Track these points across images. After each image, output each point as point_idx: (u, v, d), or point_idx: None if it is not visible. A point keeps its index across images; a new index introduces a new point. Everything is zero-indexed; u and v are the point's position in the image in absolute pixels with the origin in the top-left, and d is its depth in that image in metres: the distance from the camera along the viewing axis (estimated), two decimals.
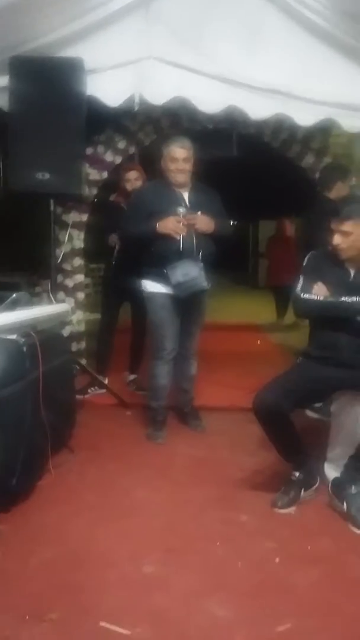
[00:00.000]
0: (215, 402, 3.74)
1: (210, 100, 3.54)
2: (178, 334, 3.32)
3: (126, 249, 3.74)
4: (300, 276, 2.63)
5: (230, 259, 11.55)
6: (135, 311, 4.09)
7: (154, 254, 3.20)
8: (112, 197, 4.27)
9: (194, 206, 3.20)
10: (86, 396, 3.92)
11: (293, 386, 2.50)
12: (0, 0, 2.96)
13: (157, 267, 3.18)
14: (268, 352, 6.02)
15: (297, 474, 2.57)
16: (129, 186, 3.99)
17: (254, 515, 2.45)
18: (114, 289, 4.08)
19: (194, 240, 3.16)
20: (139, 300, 3.49)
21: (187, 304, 3.23)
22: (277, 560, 2.11)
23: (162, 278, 3.17)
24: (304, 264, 2.69)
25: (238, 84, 3.51)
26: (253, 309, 10.15)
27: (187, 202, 3.23)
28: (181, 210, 3.17)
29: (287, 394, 2.44)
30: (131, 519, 2.41)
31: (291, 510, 2.50)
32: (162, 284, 3.21)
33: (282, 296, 7.57)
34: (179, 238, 3.11)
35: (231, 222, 3.54)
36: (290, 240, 7.92)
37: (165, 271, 3.13)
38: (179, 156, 3.19)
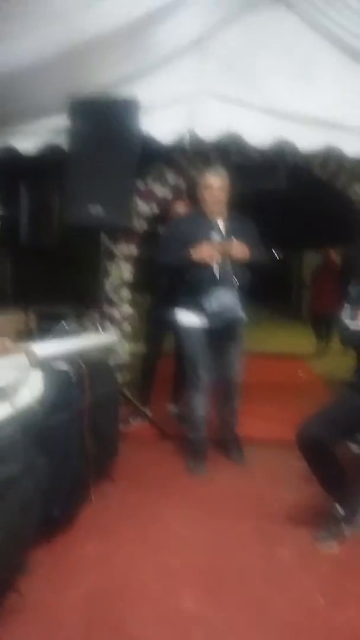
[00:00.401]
0: (256, 434, 3.70)
1: (260, 134, 3.61)
2: (212, 365, 3.30)
3: (165, 279, 3.76)
4: (347, 305, 2.59)
5: (274, 290, 11.59)
6: (178, 342, 4.11)
7: (189, 283, 3.21)
8: (160, 230, 4.35)
9: (229, 234, 3.21)
10: (129, 426, 3.94)
11: (337, 418, 2.45)
12: (61, 45, 3.11)
13: (192, 296, 3.19)
14: (310, 383, 5.92)
15: (340, 509, 2.49)
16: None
17: (295, 551, 2.40)
18: (157, 320, 4.12)
19: (230, 269, 3.16)
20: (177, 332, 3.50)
21: (222, 334, 3.22)
22: (319, 599, 2.06)
23: (197, 307, 3.17)
24: (350, 292, 2.65)
25: (288, 117, 3.56)
26: (295, 340, 10.05)
27: (223, 231, 3.24)
28: (215, 237, 3.18)
29: (330, 426, 2.39)
30: (170, 553, 2.39)
31: (334, 547, 2.43)
32: (197, 314, 3.20)
33: (323, 325, 7.90)
34: (213, 265, 3.11)
35: (277, 256, 3.51)
36: (334, 270, 8.10)
37: (200, 301, 3.13)
38: (214, 184, 3.23)
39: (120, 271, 4.51)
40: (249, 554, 2.40)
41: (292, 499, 2.92)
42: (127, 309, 4.64)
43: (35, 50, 3.07)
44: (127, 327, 4.64)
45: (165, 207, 4.49)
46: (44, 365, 2.37)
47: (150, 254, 4.29)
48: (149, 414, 4.07)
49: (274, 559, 2.35)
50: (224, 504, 2.91)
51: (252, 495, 3.01)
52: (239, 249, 3.16)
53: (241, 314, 3.17)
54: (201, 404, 3.36)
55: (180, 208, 4.10)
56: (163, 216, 4.45)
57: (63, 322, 2.92)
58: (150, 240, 4.56)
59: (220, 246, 3.14)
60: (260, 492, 3.05)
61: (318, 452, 2.41)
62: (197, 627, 1.90)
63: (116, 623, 1.91)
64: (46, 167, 4.30)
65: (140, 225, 4.59)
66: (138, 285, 4.82)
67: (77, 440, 2.53)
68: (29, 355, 2.26)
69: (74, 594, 2.06)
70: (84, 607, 1.99)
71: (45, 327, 4.11)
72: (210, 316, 3.12)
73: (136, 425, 4.01)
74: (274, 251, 11.33)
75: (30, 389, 2.17)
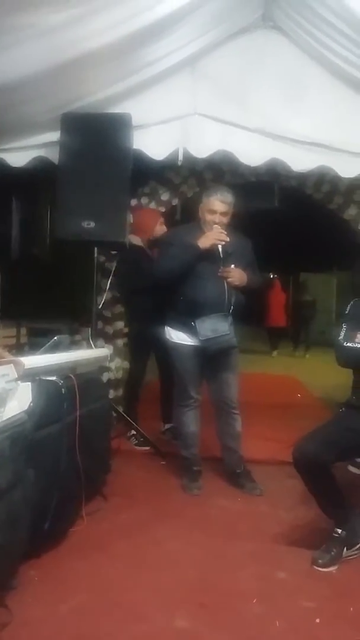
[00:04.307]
0: (253, 455, 3.64)
1: (253, 153, 3.64)
2: (204, 382, 3.27)
3: (154, 293, 3.62)
4: (343, 324, 2.57)
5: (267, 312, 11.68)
6: (161, 360, 4.05)
7: (183, 304, 3.16)
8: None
9: (227, 256, 3.13)
10: (129, 444, 3.87)
11: (334, 437, 2.41)
12: (53, 61, 3.13)
13: (185, 318, 3.14)
14: (308, 404, 5.89)
15: (339, 531, 2.44)
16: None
17: (293, 573, 2.34)
18: (141, 338, 4.04)
19: (225, 293, 3.12)
20: (164, 349, 3.42)
21: (215, 357, 3.16)
22: (317, 620, 2.00)
23: (189, 330, 3.13)
24: (347, 311, 2.63)
25: (280, 138, 3.60)
26: (292, 361, 10.08)
27: (221, 252, 3.13)
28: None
29: (328, 445, 2.35)
30: (163, 571, 2.33)
31: (332, 569, 2.37)
32: (188, 334, 3.16)
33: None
34: (223, 244, 3.07)
35: (271, 275, 3.46)
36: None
37: (193, 324, 3.08)
38: (218, 209, 3.15)
39: (113, 287, 4.49)
40: (245, 574, 2.33)
41: (290, 519, 2.87)
42: (121, 325, 4.62)
43: (27, 65, 3.07)
44: (120, 343, 4.62)
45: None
46: (34, 377, 2.33)
47: (130, 269, 4.18)
48: (141, 430, 4.00)
49: (270, 579, 2.29)
50: (219, 524, 2.85)
51: (248, 515, 2.95)
52: (238, 276, 3.12)
53: (234, 340, 3.11)
54: (192, 421, 3.30)
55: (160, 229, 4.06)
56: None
57: (55, 336, 2.87)
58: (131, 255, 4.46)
59: (220, 273, 3.09)
60: (257, 512, 2.99)
61: (315, 471, 2.37)
62: None
63: (106, 638, 1.84)
64: (37, 181, 4.31)
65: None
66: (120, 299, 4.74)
67: (67, 454, 2.47)
68: (17, 366, 2.22)
69: (63, 609, 1.99)
70: (73, 624, 1.92)
71: (37, 342, 4.09)
72: (202, 341, 3.06)
73: (135, 446, 3.94)
74: (269, 274, 11.47)
75: (19, 401, 2.13)
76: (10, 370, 2.08)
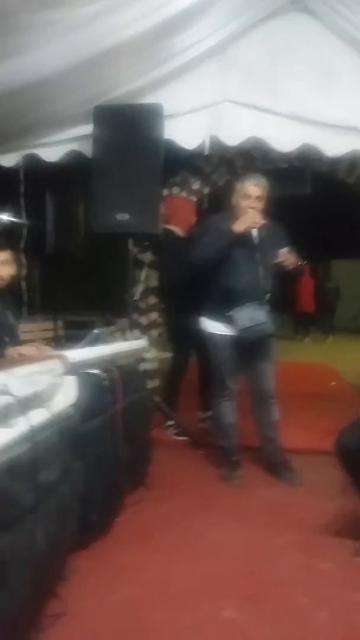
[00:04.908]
0: (291, 444, 3.64)
1: (285, 139, 3.60)
2: (241, 374, 3.26)
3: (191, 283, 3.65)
4: None
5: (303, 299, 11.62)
6: (200, 349, 4.05)
7: (219, 293, 3.16)
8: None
9: (262, 242, 3.12)
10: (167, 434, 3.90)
11: None
12: (83, 55, 3.14)
13: (221, 307, 3.13)
14: (343, 392, 5.83)
15: None
16: None
17: (336, 564, 2.33)
18: (183, 327, 4.02)
19: (261, 281, 3.11)
20: (203, 340, 3.42)
21: (252, 347, 3.15)
22: None
23: (226, 319, 3.12)
24: None
25: (313, 122, 3.56)
26: (325, 349, 10.00)
27: (255, 239, 3.12)
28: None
29: None
30: (207, 561, 2.35)
31: None
32: (225, 324, 3.16)
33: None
34: (258, 229, 3.06)
35: (300, 263, 3.46)
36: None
37: (229, 314, 3.08)
38: (253, 193, 3.12)
39: (148, 278, 4.51)
40: (289, 564, 2.33)
41: (331, 509, 2.84)
42: (155, 316, 4.64)
43: (58, 60, 3.10)
44: (154, 333, 4.64)
45: None
46: (77, 371, 2.37)
47: (171, 259, 4.21)
48: (179, 420, 4.03)
49: (314, 570, 2.28)
50: (261, 514, 2.85)
51: (289, 505, 2.95)
52: (292, 260, 3.11)
53: (271, 329, 3.11)
54: (229, 411, 3.30)
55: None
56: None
57: (94, 329, 2.91)
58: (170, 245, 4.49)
59: None
60: (298, 502, 2.98)
61: (356, 461, 2.35)
62: (239, 637, 1.85)
63: (154, 630, 1.87)
64: (70, 175, 4.34)
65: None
66: (162, 292, 4.78)
67: (110, 446, 2.52)
68: (63, 360, 2.25)
69: (113, 600, 2.03)
70: (122, 614, 1.95)
71: (74, 334, 4.13)
72: (240, 331, 3.06)
73: (173, 435, 3.97)
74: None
75: (65, 395, 2.16)
76: (56, 365, 2.11)
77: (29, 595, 1.64)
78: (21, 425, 1.66)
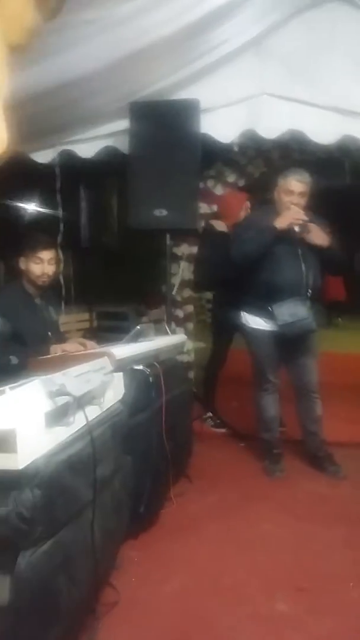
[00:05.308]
0: (333, 437, 3.63)
1: (324, 131, 3.54)
2: (283, 368, 3.27)
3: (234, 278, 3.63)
4: None
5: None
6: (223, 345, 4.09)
7: (260, 288, 3.16)
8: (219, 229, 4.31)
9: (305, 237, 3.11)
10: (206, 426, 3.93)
11: None
12: (120, 53, 3.15)
13: (262, 302, 3.13)
14: None
15: None
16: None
17: None
18: (223, 320, 4.04)
19: (304, 276, 3.10)
20: (242, 334, 3.45)
21: (294, 342, 3.15)
22: None
23: (266, 314, 3.12)
24: None
25: (352, 114, 3.49)
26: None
27: (298, 233, 3.08)
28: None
29: None
30: (257, 552, 2.38)
31: None
32: (265, 319, 3.16)
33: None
34: (301, 222, 3.03)
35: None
36: None
37: (270, 309, 3.08)
38: (296, 189, 3.10)
39: (183, 271, 4.53)
40: (339, 557, 2.34)
41: None
42: (190, 309, 4.66)
43: (95, 58, 3.11)
44: (190, 326, 4.67)
45: None
46: (124, 367, 2.41)
47: (212, 252, 4.23)
48: (218, 412, 4.06)
49: None
50: (307, 506, 2.85)
51: (334, 498, 2.95)
52: (318, 234, 3.08)
53: (313, 325, 3.09)
54: (271, 405, 3.32)
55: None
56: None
57: (137, 325, 2.96)
58: (211, 239, 4.51)
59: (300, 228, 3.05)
60: (343, 495, 2.98)
61: None
62: (294, 631, 1.87)
63: (211, 619, 1.91)
64: (105, 170, 4.38)
65: (200, 225, 4.60)
66: (198, 285, 4.81)
67: (156, 440, 2.56)
68: (110, 357, 2.29)
69: (166, 590, 2.08)
70: (178, 603, 2.00)
71: (106, 325, 4.17)
72: (281, 326, 3.05)
73: (212, 427, 3.99)
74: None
75: (114, 391, 2.20)
76: (106, 363, 2.16)
77: (89, 584, 1.70)
78: (78, 423, 1.71)
